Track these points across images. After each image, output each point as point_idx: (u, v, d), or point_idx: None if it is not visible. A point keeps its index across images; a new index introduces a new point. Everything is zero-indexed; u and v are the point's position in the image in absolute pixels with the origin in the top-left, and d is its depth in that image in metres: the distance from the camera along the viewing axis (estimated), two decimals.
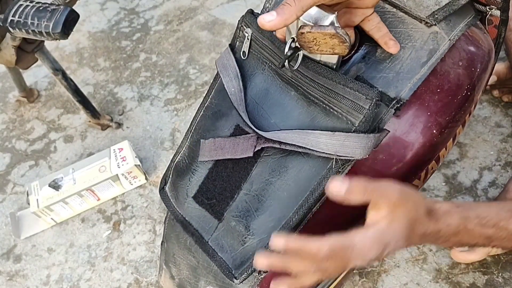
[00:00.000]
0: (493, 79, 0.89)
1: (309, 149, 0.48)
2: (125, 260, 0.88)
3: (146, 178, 0.98)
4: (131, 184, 0.97)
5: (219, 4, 1.31)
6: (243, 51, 0.56)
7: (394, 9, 0.52)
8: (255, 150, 0.52)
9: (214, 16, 1.29)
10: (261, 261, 0.43)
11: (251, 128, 0.52)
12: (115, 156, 0.95)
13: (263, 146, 0.51)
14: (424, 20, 0.50)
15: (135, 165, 0.93)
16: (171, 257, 0.64)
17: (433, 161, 0.57)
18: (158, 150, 1.04)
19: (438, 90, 0.50)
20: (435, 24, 0.50)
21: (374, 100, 0.45)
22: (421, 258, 0.79)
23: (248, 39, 0.55)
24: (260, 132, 0.51)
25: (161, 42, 1.26)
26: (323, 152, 0.47)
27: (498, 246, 0.56)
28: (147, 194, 0.97)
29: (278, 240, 0.42)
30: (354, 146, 0.46)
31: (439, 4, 0.50)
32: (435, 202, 0.49)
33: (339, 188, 0.41)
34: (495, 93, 0.95)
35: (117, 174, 0.92)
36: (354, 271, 0.79)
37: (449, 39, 0.50)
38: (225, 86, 0.55)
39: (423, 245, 0.80)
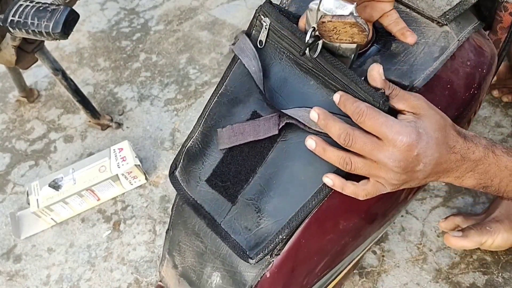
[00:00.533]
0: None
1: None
2: (125, 260, 0.88)
3: (146, 178, 0.98)
4: (131, 184, 0.97)
5: (219, 4, 1.31)
6: (260, 40, 0.56)
7: (408, 10, 0.55)
8: (280, 127, 0.52)
9: (214, 16, 1.29)
10: (315, 111, 0.47)
11: (273, 107, 0.53)
12: (115, 156, 0.95)
13: (288, 121, 0.52)
14: (436, 20, 0.54)
15: (135, 165, 0.93)
16: (175, 245, 0.64)
17: None
18: (158, 150, 1.04)
19: (448, 85, 0.53)
20: (446, 24, 0.53)
21: (381, 101, 0.46)
22: (421, 258, 0.79)
23: (266, 28, 0.55)
24: (282, 110, 0.52)
25: (161, 42, 1.26)
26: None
27: None
28: (147, 194, 0.97)
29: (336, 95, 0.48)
30: None
31: (451, 5, 0.53)
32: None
33: (379, 76, 0.46)
34: (495, 93, 0.96)
35: (117, 174, 0.92)
36: (354, 271, 0.79)
37: (458, 39, 0.54)
38: (245, 65, 0.56)
39: (422, 245, 0.80)
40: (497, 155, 0.50)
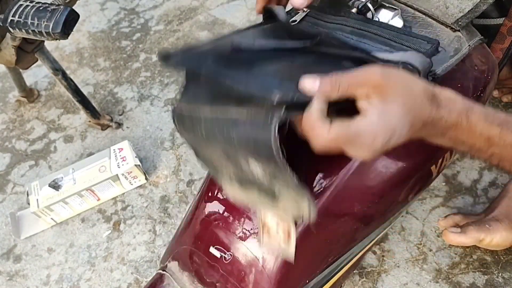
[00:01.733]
0: None
1: (371, 55, 0.49)
2: (125, 260, 0.88)
3: (146, 178, 0.98)
4: (131, 184, 0.97)
5: (219, 4, 1.32)
6: (294, 20, 0.61)
7: (424, 15, 0.61)
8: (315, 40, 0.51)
9: (214, 16, 1.29)
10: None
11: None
12: (115, 156, 0.95)
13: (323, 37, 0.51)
14: (449, 26, 0.59)
15: (135, 165, 0.93)
16: (208, 163, 0.57)
17: (449, 151, 0.62)
18: (158, 150, 1.04)
19: (459, 85, 0.58)
20: (459, 30, 0.59)
21: (436, 44, 0.51)
22: (421, 258, 0.79)
23: (303, 12, 0.61)
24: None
25: (161, 42, 1.26)
26: (384, 60, 0.49)
27: (495, 158, 0.49)
28: (147, 194, 0.97)
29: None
30: (413, 57, 0.49)
31: (463, 12, 0.59)
32: (436, 87, 0.46)
33: (312, 85, 0.42)
34: (495, 93, 0.96)
35: (117, 174, 0.92)
36: (354, 271, 0.79)
37: (469, 45, 0.59)
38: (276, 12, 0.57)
39: (422, 245, 0.80)
40: (471, 121, 0.46)
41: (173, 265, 0.67)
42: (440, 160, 0.62)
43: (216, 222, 0.61)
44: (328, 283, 0.64)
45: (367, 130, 0.41)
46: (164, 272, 0.67)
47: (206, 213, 0.63)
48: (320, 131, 0.42)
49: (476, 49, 0.61)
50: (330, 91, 0.42)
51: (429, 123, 0.44)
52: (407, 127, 0.42)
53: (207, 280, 0.61)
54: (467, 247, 0.78)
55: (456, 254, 0.79)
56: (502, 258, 0.77)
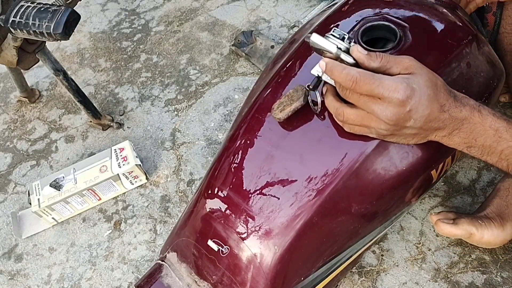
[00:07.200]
0: None
1: None
2: (126, 259, 0.89)
3: (147, 178, 0.99)
4: (132, 184, 0.98)
5: (219, 5, 1.32)
6: None
7: None
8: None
9: (214, 17, 1.29)
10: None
11: None
12: (116, 156, 0.95)
13: None
14: None
15: (136, 164, 0.93)
16: None
17: (450, 156, 0.63)
18: (158, 150, 1.04)
19: (463, 91, 0.58)
20: None
21: None
22: (420, 258, 0.79)
23: None
24: None
25: (162, 43, 1.27)
26: None
27: (504, 158, 0.54)
28: (148, 193, 0.97)
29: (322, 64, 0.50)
30: None
31: None
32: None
33: (361, 53, 0.50)
34: None
35: (118, 174, 0.93)
36: (352, 269, 0.79)
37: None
38: None
39: (421, 244, 0.81)
40: (483, 115, 0.52)
41: (172, 256, 0.67)
42: (440, 166, 0.63)
43: (215, 217, 0.62)
44: (325, 280, 0.65)
45: (389, 84, 0.48)
46: (162, 263, 0.68)
47: (206, 207, 0.64)
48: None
49: (483, 55, 0.61)
50: (374, 60, 0.50)
51: (447, 110, 0.50)
52: (427, 96, 0.48)
53: (204, 272, 0.62)
54: (466, 245, 0.79)
55: (455, 253, 0.79)
56: (501, 258, 0.77)
